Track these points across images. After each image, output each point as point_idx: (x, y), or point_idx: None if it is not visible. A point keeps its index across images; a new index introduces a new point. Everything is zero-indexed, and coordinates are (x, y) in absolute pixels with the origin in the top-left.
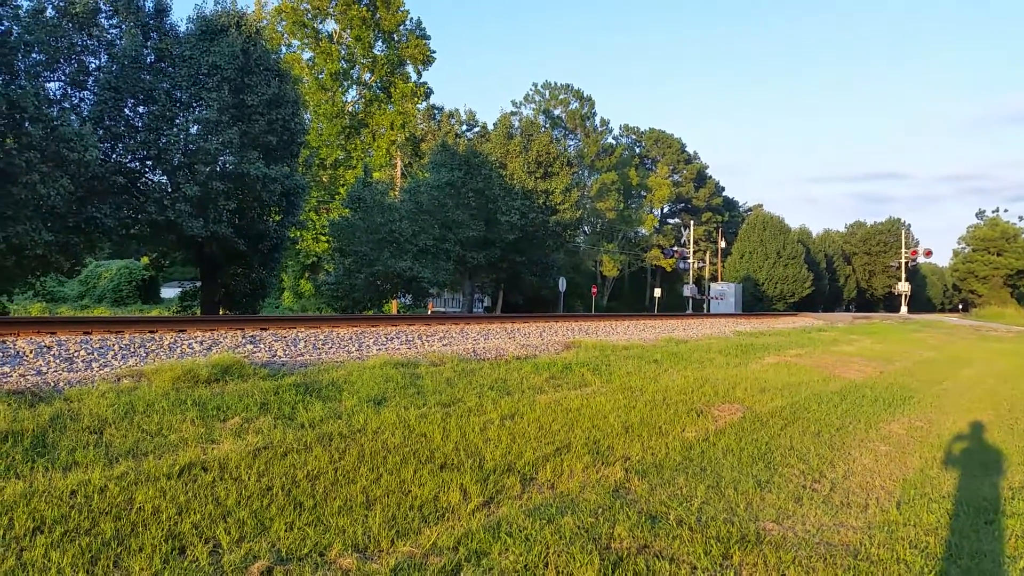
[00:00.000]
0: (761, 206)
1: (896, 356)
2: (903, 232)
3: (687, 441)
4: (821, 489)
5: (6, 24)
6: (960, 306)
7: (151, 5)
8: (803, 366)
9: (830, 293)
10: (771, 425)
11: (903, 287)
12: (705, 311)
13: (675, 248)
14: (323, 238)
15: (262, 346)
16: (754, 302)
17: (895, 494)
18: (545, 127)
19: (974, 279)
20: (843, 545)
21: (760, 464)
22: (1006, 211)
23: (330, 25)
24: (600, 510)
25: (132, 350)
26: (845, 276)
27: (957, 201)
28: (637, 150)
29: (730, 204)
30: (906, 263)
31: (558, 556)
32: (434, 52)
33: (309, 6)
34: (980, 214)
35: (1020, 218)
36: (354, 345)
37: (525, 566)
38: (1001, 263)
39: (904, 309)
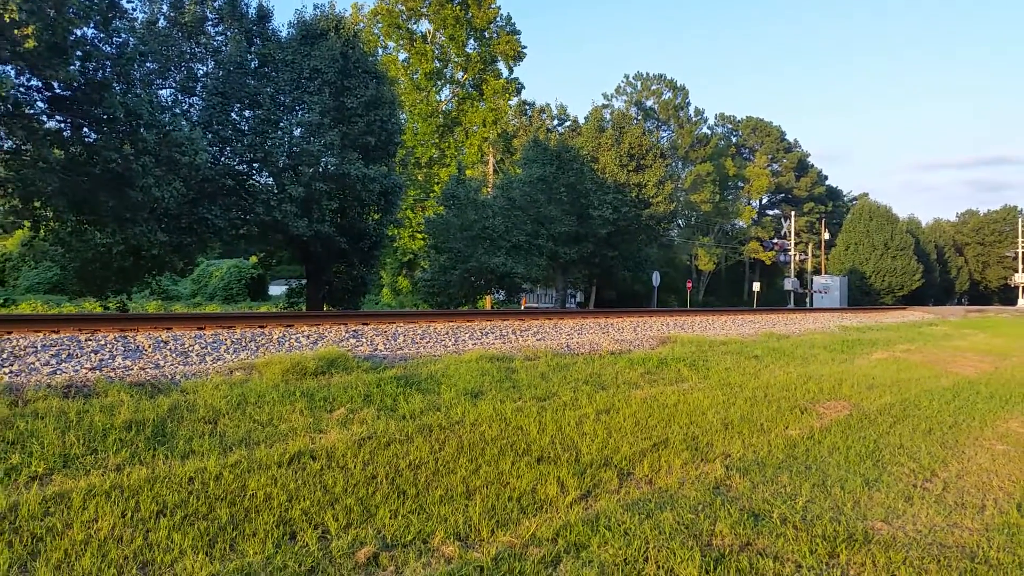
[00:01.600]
0: (867, 195)
1: (1012, 351)
2: (1019, 220)
3: (790, 439)
4: (933, 488)
5: (124, 36)
6: None
7: (254, 12)
8: (913, 362)
9: (941, 286)
10: (879, 422)
11: (1019, 278)
12: (808, 305)
13: (775, 240)
14: (419, 235)
15: (364, 340)
16: (860, 296)
17: (1015, 495)
18: (637, 119)
19: None
20: (958, 547)
21: (868, 462)
22: None
23: (424, 25)
24: (700, 506)
25: (243, 344)
26: (957, 268)
27: None
28: (733, 140)
29: (833, 194)
30: (1023, 253)
31: (658, 551)
32: (525, 47)
33: (404, 7)
34: None
35: None
36: (450, 339)
37: (625, 560)
38: None
39: (1021, 302)
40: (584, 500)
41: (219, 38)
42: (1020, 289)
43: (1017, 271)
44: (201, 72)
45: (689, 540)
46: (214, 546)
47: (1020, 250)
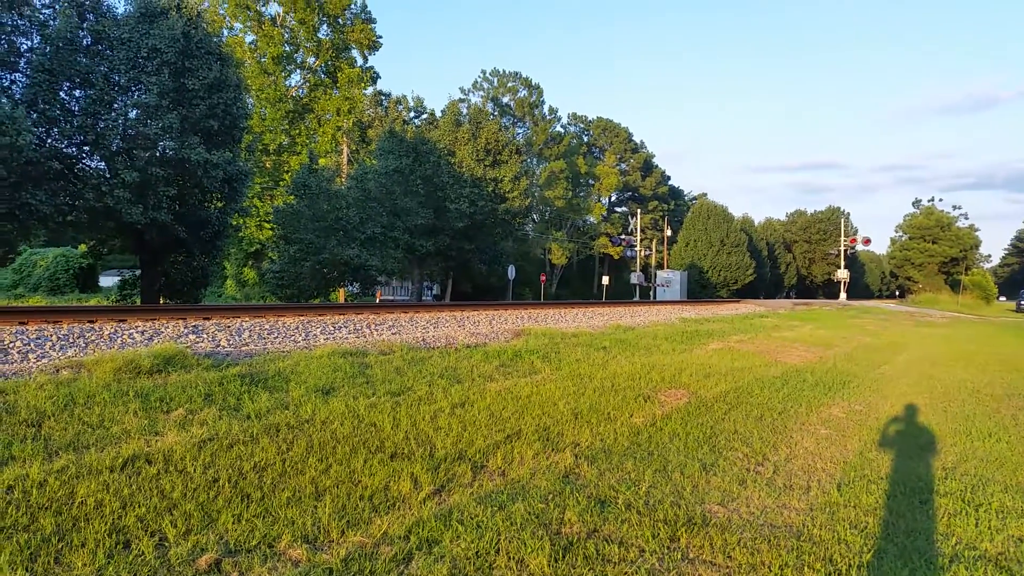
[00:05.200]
0: (706, 195)
1: (835, 342)
2: (842, 220)
3: (635, 426)
4: (764, 472)
5: None
6: (897, 293)
7: None
8: (746, 351)
9: (771, 280)
10: (716, 410)
11: (842, 274)
12: (652, 298)
13: (622, 236)
14: (267, 225)
15: (205, 336)
16: (699, 289)
17: (836, 476)
18: (494, 115)
19: (910, 266)
20: (786, 526)
21: (705, 448)
22: (941, 200)
23: (273, 8)
24: (550, 496)
25: (71, 340)
26: (786, 264)
27: (893, 190)
28: (585, 139)
29: (676, 193)
30: (845, 251)
31: (509, 542)
32: (380, 37)
33: None
34: (916, 203)
35: (954, 207)
36: (301, 335)
37: (476, 553)
38: (936, 251)
39: (843, 296)
40: (438, 495)
41: (46, 11)
42: (842, 284)
43: (839, 267)
44: (25, 47)
45: (539, 530)
46: (36, 560)
47: (842, 248)
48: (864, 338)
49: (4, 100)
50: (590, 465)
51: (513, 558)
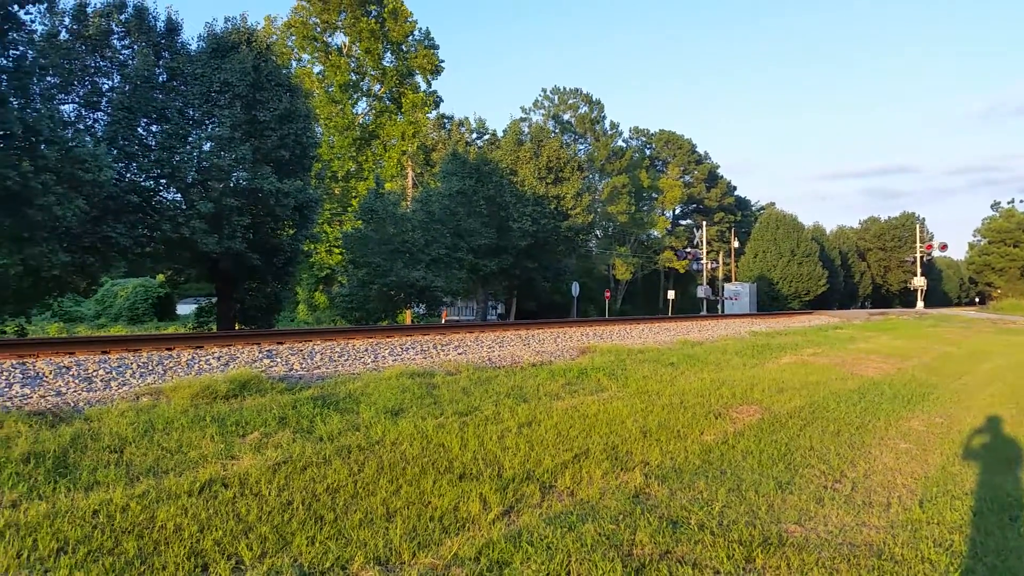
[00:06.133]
0: (773, 204)
1: (913, 352)
2: (917, 226)
3: (706, 444)
4: (842, 489)
5: (21, 49)
6: (977, 299)
7: (163, 25)
8: (820, 365)
9: (845, 290)
10: (790, 426)
11: (919, 282)
12: (720, 312)
13: (688, 250)
14: (336, 250)
15: (279, 360)
16: (769, 301)
17: (917, 492)
18: (555, 132)
19: (990, 271)
20: (866, 545)
21: (780, 465)
22: (1021, 202)
23: (339, 38)
24: (621, 516)
25: (150, 368)
26: (860, 273)
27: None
28: (648, 152)
29: (742, 203)
30: (921, 258)
31: (580, 564)
32: (443, 61)
33: (318, 20)
34: (995, 205)
35: None
36: (370, 356)
37: (547, 575)
38: (1018, 254)
39: (920, 304)
40: (507, 516)
41: (125, 51)
42: (919, 292)
43: (916, 275)
44: (106, 86)
45: (610, 551)
46: None
47: (918, 255)
48: (944, 347)
49: (88, 139)
50: (661, 484)
51: None
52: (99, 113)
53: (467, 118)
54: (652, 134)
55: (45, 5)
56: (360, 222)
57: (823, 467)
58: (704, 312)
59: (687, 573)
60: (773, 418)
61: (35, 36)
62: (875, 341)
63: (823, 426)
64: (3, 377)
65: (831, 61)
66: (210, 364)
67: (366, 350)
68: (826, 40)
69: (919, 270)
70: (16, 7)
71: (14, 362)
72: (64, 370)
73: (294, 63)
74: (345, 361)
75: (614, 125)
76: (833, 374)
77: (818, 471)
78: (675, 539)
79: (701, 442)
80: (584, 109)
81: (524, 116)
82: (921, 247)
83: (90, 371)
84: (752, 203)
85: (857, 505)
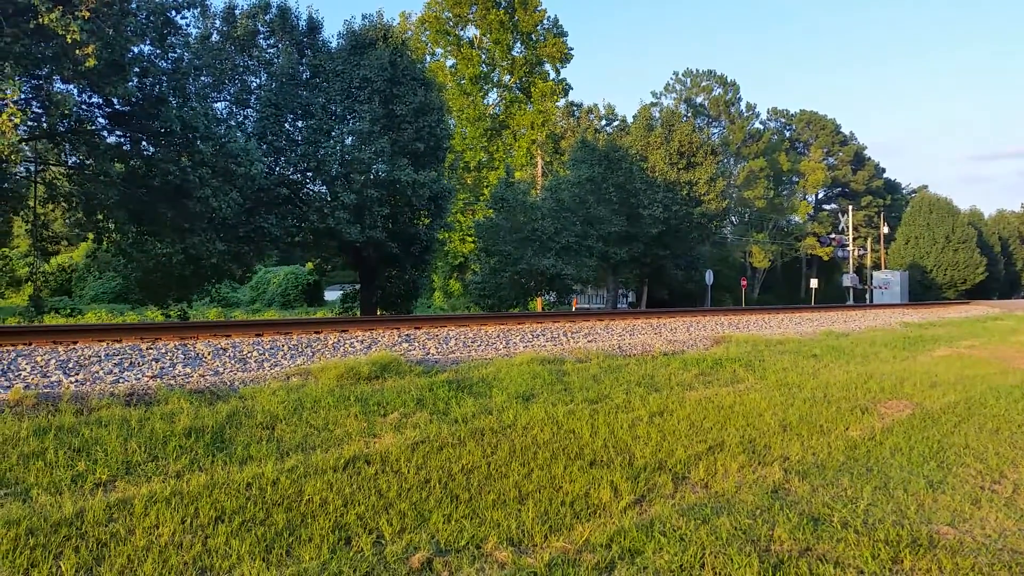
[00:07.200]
0: (926, 187)
1: None
2: None
3: (851, 440)
4: (1002, 491)
5: (179, 51)
6: None
7: (304, 24)
8: (978, 358)
9: (1006, 279)
10: (943, 422)
11: None
12: (867, 301)
13: (832, 236)
14: (469, 239)
15: (416, 344)
16: (921, 291)
17: None
18: (687, 116)
19: None
20: None
21: (932, 463)
22: None
23: (471, 31)
24: (758, 511)
25: (299, 350)
26: (1022, 260)
27: None
28: (787, 134)
29: (892, 187)
30: None
31: (715, 557)
32: (571, 49)
33: (451, 14)
34: None
35: None
36: (501, 342)
37: (680, 566)
38: None
39: None
40: (638, 505)
41: (271, 51)
42: None
43: None
44: (254, 84)
45: (747, 546)
46: (271, 552)
47: None
48: None
49: (239, 135)
50: (801, 480)
51: (719, 573)
52: (248, 110)
53: (596, 105)
54: (792, 115)
55: (198, 9)
56: (491, 211)
57: (980, 466)
58: (850, 302)
59: (828, 571)
60: (925, 414)
61: (190, 39)
62: None
63: (980, 423)
64: (167, 358)
65: (979, 37)
66: (354, 347)
67: (498, 336)
68: (974, 16)
69: None
70: (174, 13)
71: (176, 343)
72: (221, 351)
73: (428, 57)
74: (478, 346)
75: (750, 107)
76: (992, 368)
77: (974, 471)
78: (816, 536)
79: (846, 438)
80: (718, 91)
81: (655, 101)
82: None
83: (245, 352)
84: (902, 186)
85: (1019, 509)
